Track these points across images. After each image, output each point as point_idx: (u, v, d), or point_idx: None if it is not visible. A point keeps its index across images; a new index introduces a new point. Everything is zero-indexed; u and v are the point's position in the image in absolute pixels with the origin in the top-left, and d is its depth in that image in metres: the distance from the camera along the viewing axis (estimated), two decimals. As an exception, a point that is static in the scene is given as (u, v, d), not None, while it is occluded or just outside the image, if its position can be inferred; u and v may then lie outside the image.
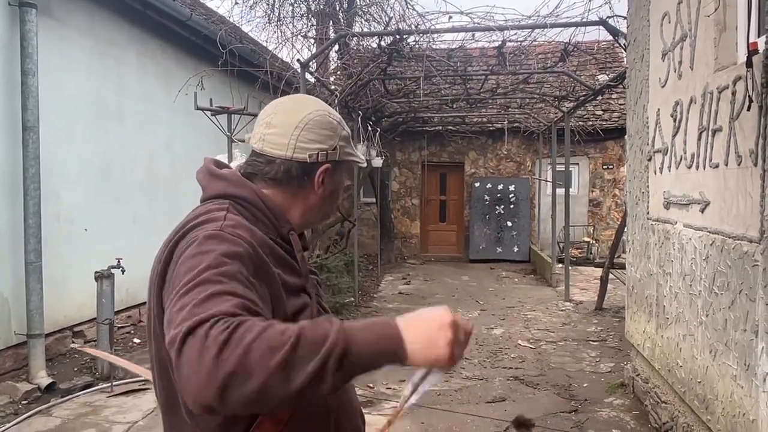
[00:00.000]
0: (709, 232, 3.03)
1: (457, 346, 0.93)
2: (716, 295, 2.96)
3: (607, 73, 12.57)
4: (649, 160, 4.17)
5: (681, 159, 3.49)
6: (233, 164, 1.33)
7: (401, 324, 0.92)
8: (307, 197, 1.28)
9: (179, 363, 0.87)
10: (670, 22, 3.69)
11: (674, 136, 3.61)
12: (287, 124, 1.24)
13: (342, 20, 9.47)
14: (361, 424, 1.31)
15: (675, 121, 3.59)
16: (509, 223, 13.15)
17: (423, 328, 0.93)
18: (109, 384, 4.76)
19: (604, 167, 13.43)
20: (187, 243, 1.06)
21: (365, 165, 1.39)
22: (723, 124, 2.86)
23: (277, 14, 8.84)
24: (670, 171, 3.72)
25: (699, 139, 3.18)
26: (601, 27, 5.55)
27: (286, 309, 1.13)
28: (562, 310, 7.95)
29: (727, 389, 2.82)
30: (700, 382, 3.18)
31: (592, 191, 13.51)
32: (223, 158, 1.33)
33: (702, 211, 3.14)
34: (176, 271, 1.02)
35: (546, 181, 12.76)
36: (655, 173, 4.04)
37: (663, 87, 3.85)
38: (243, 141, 5.56)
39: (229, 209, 1.17)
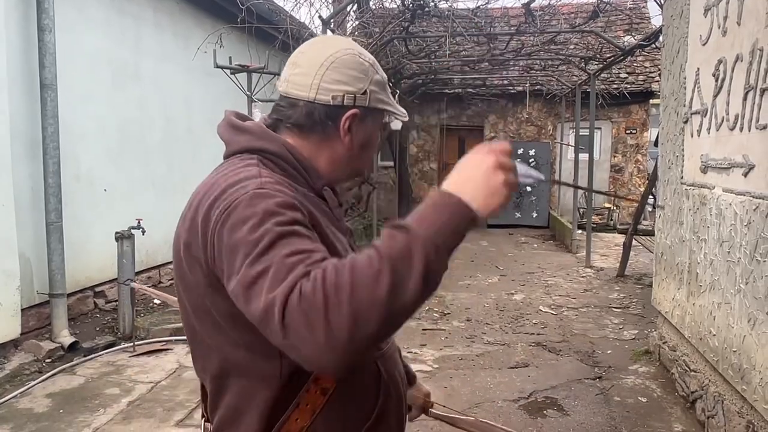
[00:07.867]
0: (753, 197, 2.90)
1: (510, 177, 0.91)
2: (758, 263, 2.84)
3: (633, 34, 12.19)
4: (685, 122, 4.00)
5: (722, 120, 3.33)
6: (256, 117, 1.22)
7: (454, 190, 0.89)
8: (334, 147, 1.15)
9: (288, 340, 0.83)
10: (715, -25, 3.48)
11: (715, 96, 3.44)
12: (312, 63, 1.12)
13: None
14: (405, 390, 1.25)
15: (717, 80, 3.41)
16: (528, 188, 12.96)
17: (475, 183, 0.89)
18: (131, 344, 4.78)
19: (627, 132, 13.15)
20: (228, 204, 0.96)
21: (406, 118, 1.26)
22: (774, 83, 2.70)
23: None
24: (709, 133, 3.56)
25: (744, 99, 3.02)
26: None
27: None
28: (582, 277, 7.86)
29: (767, 359, 2.73)
30: (735, 351, 3.09)
31: (615, 156, 13.25)
32: None
33: (745, 175, 3.00)
34: (232, 236, 0.93)
35: (568, 145, 12.54)
36: (692, 136, 3.88)
37: (704, 45, 3.65)
38: (263, 101, 5.44)
39: (259, 165, 1.06)
